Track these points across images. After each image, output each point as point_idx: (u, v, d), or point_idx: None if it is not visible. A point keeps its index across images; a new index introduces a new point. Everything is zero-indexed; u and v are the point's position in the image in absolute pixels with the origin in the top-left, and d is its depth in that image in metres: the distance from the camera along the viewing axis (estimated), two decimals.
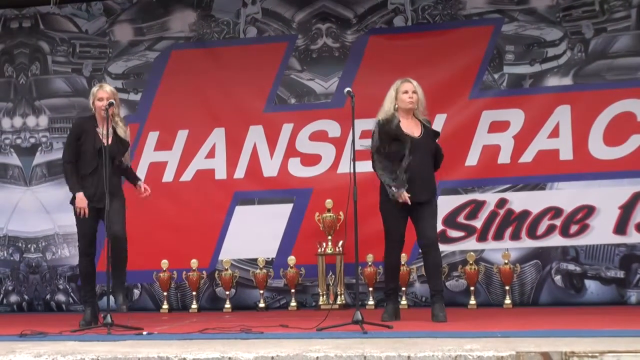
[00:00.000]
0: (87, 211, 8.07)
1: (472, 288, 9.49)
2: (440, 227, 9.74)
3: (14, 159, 10.96)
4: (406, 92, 7.72)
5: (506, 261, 9.44)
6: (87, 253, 8.24)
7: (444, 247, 9.66)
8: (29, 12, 11.05)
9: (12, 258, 10.80)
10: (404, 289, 9.60)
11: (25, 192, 10.89)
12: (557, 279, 9.58)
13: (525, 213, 9.68)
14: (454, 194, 9.86)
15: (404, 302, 9.57)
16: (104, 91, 8.09)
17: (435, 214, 7.84)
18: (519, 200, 9.71)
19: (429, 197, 7.71)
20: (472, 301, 9.45)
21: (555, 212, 9.62)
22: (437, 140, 7.98)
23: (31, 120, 10.97)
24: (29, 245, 10.79)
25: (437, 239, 7.86)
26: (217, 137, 10.46)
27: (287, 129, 10.32)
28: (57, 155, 10.76)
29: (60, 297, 10.63)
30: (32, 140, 10.96)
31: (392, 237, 7.77)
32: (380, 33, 10.30)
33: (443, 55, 10.03)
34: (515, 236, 9.66)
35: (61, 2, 10.73)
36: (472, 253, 9.55)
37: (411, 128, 7.74)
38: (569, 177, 9.63)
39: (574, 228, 9.57)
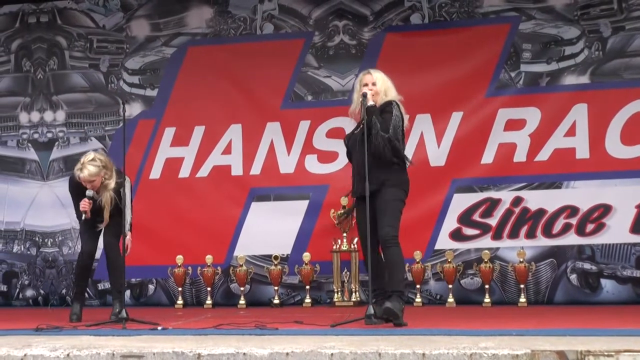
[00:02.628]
0: (89, 214, 8.07)
1: (486, 286, 9.46)
2: (455, 224, 9.78)
3: (31, 154, 11.01)
4: (366, 84, 7.43)
5: (521, 259, 9.41)
6: (84, 250, 8.29)
7: (459, 245, 9.71)
8: (47, 7, 11.09)
9: (28, 252, 10.85)
10: (418, 286, 9.58)
11: (42, 187, 10.93)
12: (573, 277, 9.55)
13: (541, 211, 9.64)
14: (469, 191, 9.84)
15: (418, 299, 9.56)
16: (84, 178, 8.05)
17: (387, 209, 7.18)
18: (535, 199, 9.68)
19: (372, 189, 7.12)
20: (487, 299, 9.43)
21: (571, 210, 9.59)
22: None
23: (49, 115, 11.01)
24: (45, 240, 10.83)
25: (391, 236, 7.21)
26: (234, 133, 10.47)
27: (304, 125, 10.32)
28: (74, 150, 10.84)
29: None
30: (50, 135, 11.00)
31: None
32: (397, 30, 10.28)
33: (459, 53, 10.01)
34: (530, 234, 9.63)
35: None
36: (487, 251, 9.53)
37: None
38: (586, 175, 9.59)
39: (590, 227, 9.54)
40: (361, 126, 7.20)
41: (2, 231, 10.95)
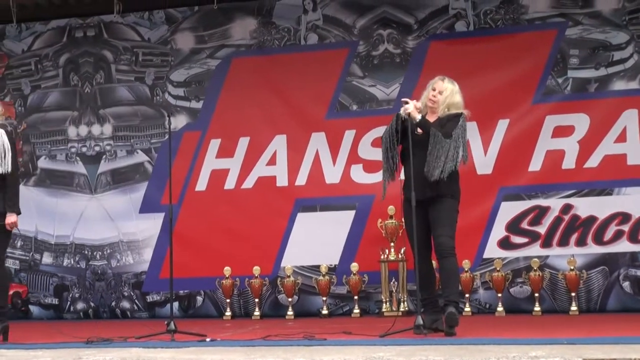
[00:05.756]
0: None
1: (536, 294, 9.37)
2: (503, 233, 9.70)
3: (79, 167, 11.09)
4: (433, 89, 7.39)
5: (572, 267, 9.31)
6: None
7: (507, 253, 9.62)
8: (93, 21, 11.19)
9: (78, 265, 10.92)
10: (467, 295, 9.52)
11: (90, 200, 11.00)
12: (626, 285, 9.43)
13: (592, 219, 9.54)
14: (517, 199, 9.76)
15: (467, 308, 9.49)
16: None
17: (444, 218, 7.14)
18: (585, 206, 9.58)
19: (428, 195, 7.11)
20: (537, 308, 9.33)
21: (623, 217, 9.47)
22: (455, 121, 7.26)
23: (96, 129, 11.09)
24: (94, 253, 10.90)
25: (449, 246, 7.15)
26: (279, 144, 10.47)
27: (349, 135, 10.30)
28: (121, 163, 10.93)
29: (125, 304, 10.71)
30: (97, 149, 11.07)
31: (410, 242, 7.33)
32: (441, 38, 10.24)
33: (505, 60, 9.95)
34: (581, 242, 9.53)
35: (124, 11, 10.88)
36: (536, 259, 9.44)
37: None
38: (637, 182, 9.47)
39: None
40: (421, 132, 7.15)
41: (53, 245, 11.03)
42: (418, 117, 7.13)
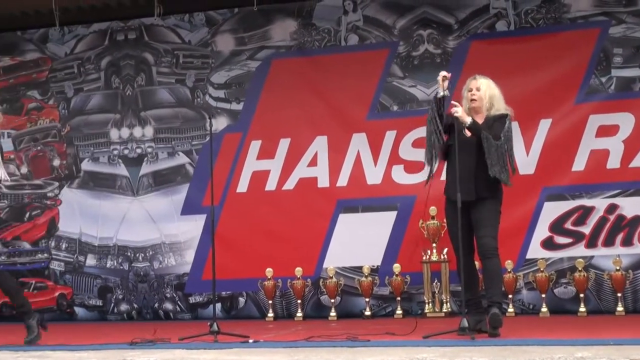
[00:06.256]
0: None
1: (581, 295, 9.29)
2: (546, 233, 9.63)
3: (122, 170, 11.15)
4: (470, 89, 7.38)
5: (618, 267, 9.22)
6: None
7: (551, 254, 9.55)
8: (134, 24, 11.24)
9: (121, 267, 10.98)
10: (510, 296, 9.46)
11: (132, 202, 11.06)
12: None
13: (638, 219, 9.45)
14: (560, 199, 9.69)
15: (510, 309, 9.44)
16: None
17: (487, 219, 7.16)
18: (631, 206, 9.49)
19: (472, 197, 7.11)
20: (582, 308, 9.25)
21: None
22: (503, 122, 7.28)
23: (137, 131, 11.14)
24: (137, 255, 10.96)
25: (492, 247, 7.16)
26: (320, 145, 10.47)
27: (390, 136, 10.28)
28: (163, 165, 10.99)
29: (168, 306, 10.75)
30: (139, 151, 11.13)
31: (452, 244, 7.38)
32: (482, 38, 10.19)
33: (547, 59, 9.87)
34: (627, 242, 9.43)
35: (164, 14, 10.91)
36: (580, 260, 9.36)
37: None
38: None
39: None
40: (469, 134, 7.15)
41: (96, 247, 11.11)
42: (468, 120, 7.12)
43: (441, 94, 7.17)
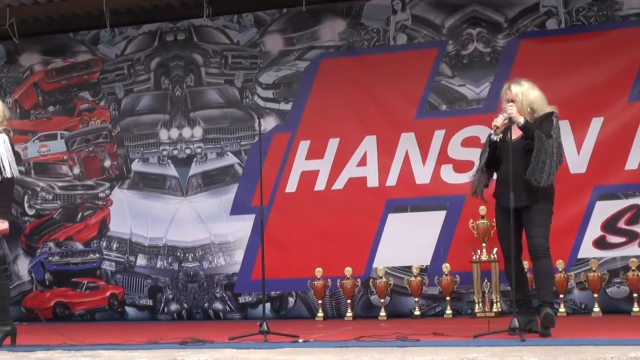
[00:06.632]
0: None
1: (634, 295, 9.19)
2: (599, 232, 9.53)
3: (171, 170, 11.21)
4: (508, 101, 7.23)
5: None
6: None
7: (603, 253, 9.46)
8: (183, 25, 11.31)
9: (171, 267, 11.05)
10: (561, 296, 9.39)
11: (182, 203, 11.12)
12: None
13: None
14: (613, 198, 9.58)
15: (562, 309, 9.36)
16: None
17: (538, 219, 7.10)
18: None
19: (523, 202, 7.06)
20: (636, 308, 9.15)
21: None
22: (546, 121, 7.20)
23: (187, 132, 11.20)
24: (186, 255, 11.02)
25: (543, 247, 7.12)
26: (369, 144, 10.46)
27: (438, 135, 10.24)
28: (212, 165, 11.04)
29: (218, 305, 10.80)
30: (188, 151, 11.19)
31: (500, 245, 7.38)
32: (532, 36, 10.11)
33: (599, 57, 9.77)
34: None
35: (213, 15, 10.95)
36: (634, 259, 9.24)
37: (515, 131, 7.20)
38: None
39: None
40: (515, 137, 7.09)
41: (147, 247, 11.19)
42: (521, 120, 7.06)
43: (494, 139, 7.16)
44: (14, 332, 7.61)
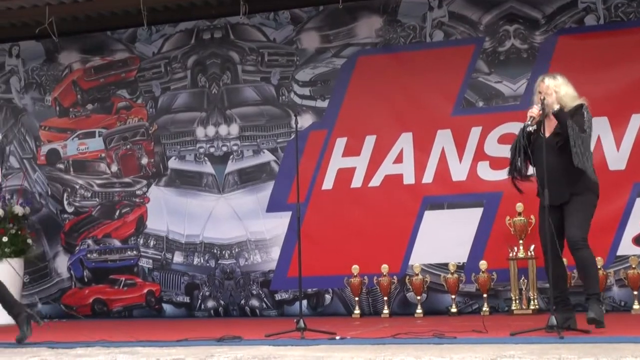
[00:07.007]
0: None
1: None
2: (638, 229, 9.47)
3: (208, 167, 11.25)
4: (539, 93, 7.27)
5: None
6: None
7: None
8: (220, 23, 11.33)
9: (208, 264, 11.08)
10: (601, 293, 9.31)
11: (218, 200, 11.16)
12: None
13: None
14: None
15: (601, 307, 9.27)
16: None
17: (577, 211, 7.08)
18: None
19: (565, 198, 7.10)
20: None
21: None
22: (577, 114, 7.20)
23: (223, 129, 11.23)
24: (223, 252, 11.05)
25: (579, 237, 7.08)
26: (405, 141, 10.43)
27: (475, 132, 10.20)
28: (248, 163, 11.07)
29: (254, 302, 10.82)
30: (225, 149, 11.22)
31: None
32: (570, 33, 10.04)
33: (638, 53, 9.66)
34: None
35: (250, 12, 10.98)
36: None
37: (548, 127, 7.22)
38: None
39: None
40: (548, 131, 7.08)
41: (183, 244, 11.23)
42: (556, 106, 7.05)
43: (530, 129, 7.16)
44: (31, 316, 7.71)
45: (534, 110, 7.12)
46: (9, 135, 11.96)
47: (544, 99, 7.11)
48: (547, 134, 7.10)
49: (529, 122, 7.14)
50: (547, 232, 6.94)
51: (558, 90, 7.20)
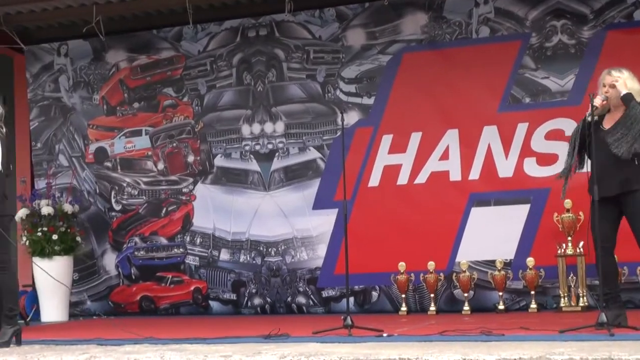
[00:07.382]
0: None
1: None
2: None
3: (253, 165, 11.28)
4: (604, 85, 7.23)
5: None
6: None
7: None
8: (265, 21, 11.35)
9: (254, 262, 11.11)
10: None
11: (264, 197, 11.18)
12: None
13: None
14: None
15: None
16: None
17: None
18: None
19: (618, 191, 7.05)
20: None
21: None
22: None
23: (269, 127, 11.25)
24: (269, 249, 11.07)
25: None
26: (451, 138, 10.39)
27: (521, 128, 10.13)
28: (294, 160, 11.08)
29: (301, 300, 10.84)
30: (270, 146, 11.24)
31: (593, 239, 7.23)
32: (619, 28, 9.93)
33: None
34: None
35: (295, 10, 10.99)
36: None
37: (608, 121, 7.23)
38: None
39: None
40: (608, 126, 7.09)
41: (230, 241, 11.27)
42: (624, 90, 7.01)
43: (589, 120, 7.10)
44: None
45: (597, 100, 7.07)
46: (58, 134, 12.08)
47: (611, 88, 7.06)
48: (607, 127, 7.10)
49: (591, 112, 7.07)
50: (596, 228, 6.89)
51: (626, 82, 7.16)
